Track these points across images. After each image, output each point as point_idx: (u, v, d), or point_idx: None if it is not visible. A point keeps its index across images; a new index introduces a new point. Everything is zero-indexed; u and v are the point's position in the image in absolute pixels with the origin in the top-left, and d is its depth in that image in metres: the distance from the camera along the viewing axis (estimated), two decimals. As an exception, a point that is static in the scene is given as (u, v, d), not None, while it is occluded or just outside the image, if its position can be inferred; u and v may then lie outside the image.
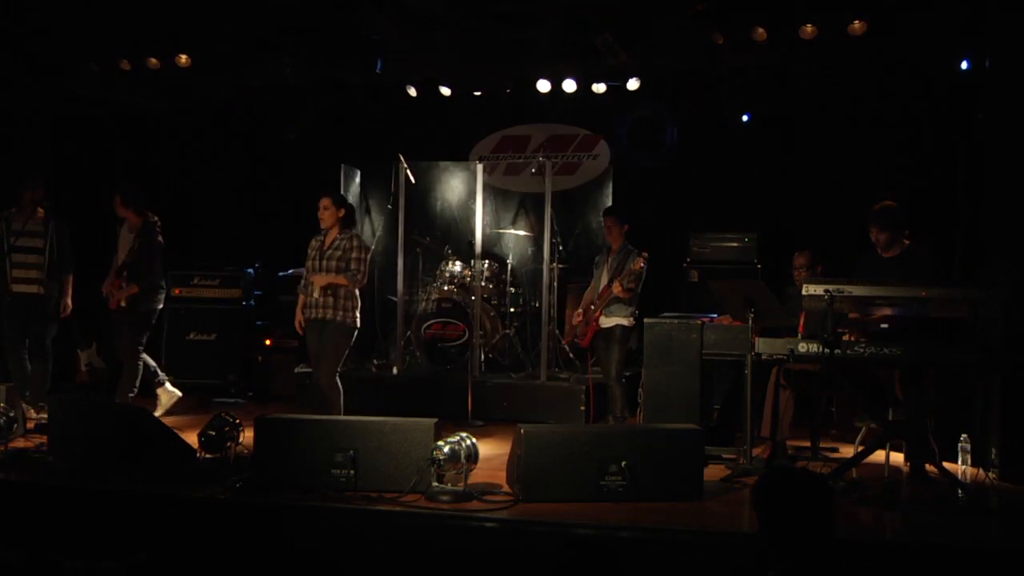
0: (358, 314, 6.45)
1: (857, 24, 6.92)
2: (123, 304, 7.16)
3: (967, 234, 7.05)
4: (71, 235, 7.41)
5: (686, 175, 8.74)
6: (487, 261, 8.32)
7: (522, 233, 8.92)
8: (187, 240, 9.00)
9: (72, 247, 7.40)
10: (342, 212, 6.46)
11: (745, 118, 8.37)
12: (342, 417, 6.20)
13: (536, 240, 8.50)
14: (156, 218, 7.34)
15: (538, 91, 8.47)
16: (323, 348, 6.36)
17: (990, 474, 5.48)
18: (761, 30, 7.08)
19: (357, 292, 6.46)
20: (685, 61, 7.78)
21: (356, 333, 6.49)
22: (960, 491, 5.16)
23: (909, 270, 5.73)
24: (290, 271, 9.24)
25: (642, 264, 6.81)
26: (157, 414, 7.16)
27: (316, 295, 6.34)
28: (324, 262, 6.38)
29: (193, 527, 4.89)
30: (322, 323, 6.35)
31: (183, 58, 8.22)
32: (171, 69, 8.27)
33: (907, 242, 5.91)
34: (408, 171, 8.25)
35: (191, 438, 5.72)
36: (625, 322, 7.02)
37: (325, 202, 6.45)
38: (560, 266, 8.29)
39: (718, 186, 8.60)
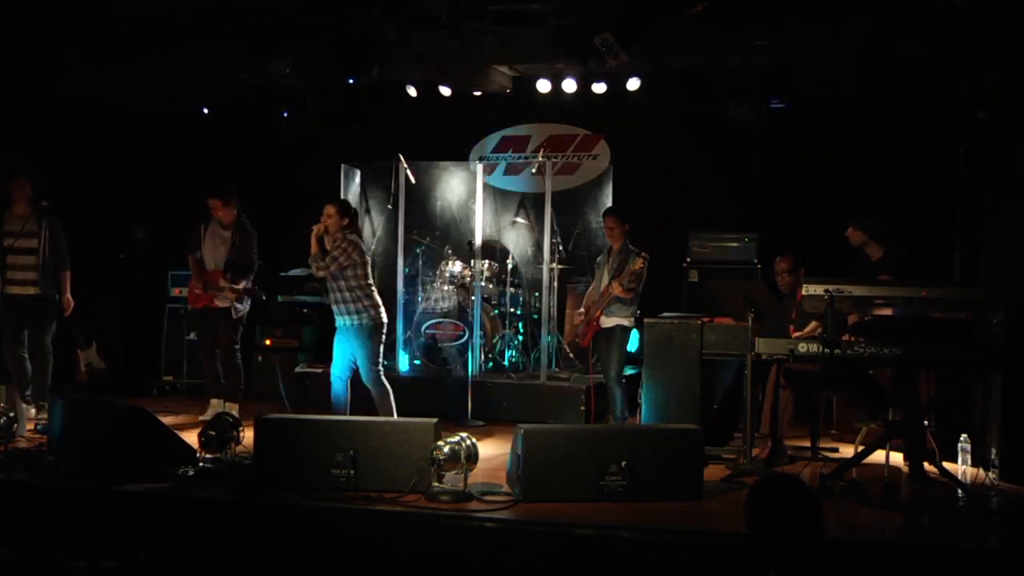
0: (381, 312, 6.57)
1: (857, 24, 6.92)
2: (218, 303, 7.28)
3: (967, 234, 7.06)
4: (66, 232, 7.37)
5: (686, 175, 8.74)
6: (487, 261, 8.31)
7: (522, 233, 8.91)
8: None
9: (68, 244, 7.35)
10: (346, 221, 6.52)
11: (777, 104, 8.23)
12: (342, 417, 6.22)
13: (536, 240, 8.50)
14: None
15: (538, 91, 8.47)
16: (357, 351, 6.51)
17: (990, 474, 5.48)
18: (761, 30, 7.07)
19: (374, 292, 6.56)
20: (685, 61, 7.78)
21: (384, 328, 6.61)
22: (960, 491, 5.17)
23: (890, 268, 5.84)
24: (291, 271, 9.25)
25: (642, 264, 6.81)
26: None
27: (337, 303, 6.49)
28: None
29: (193, 527, 4.88)
30: (347, 328, 6.50)
31: (183, 58, 8.21)
32: (171, 69, 8.26)
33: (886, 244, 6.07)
34: (408, 171, 8.25)
35: (191, 438, 5.72)
36: (625, 322, 7.02)
37: (329, 210, 6.51)
38: (560, 266, 8.29)
39: (718, 186, 8.60)
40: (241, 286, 7.29)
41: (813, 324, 6.16)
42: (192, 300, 7.48)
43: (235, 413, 7.19)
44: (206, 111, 9.32)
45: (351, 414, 6.49)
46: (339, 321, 6.55)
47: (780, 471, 5.70)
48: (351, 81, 8.03)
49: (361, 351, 6.50)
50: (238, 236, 7.37)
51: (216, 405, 7.39)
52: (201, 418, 7.27)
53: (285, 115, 9.07)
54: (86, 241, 7.87)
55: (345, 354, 6.59)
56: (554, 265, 8.10)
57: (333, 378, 6.60)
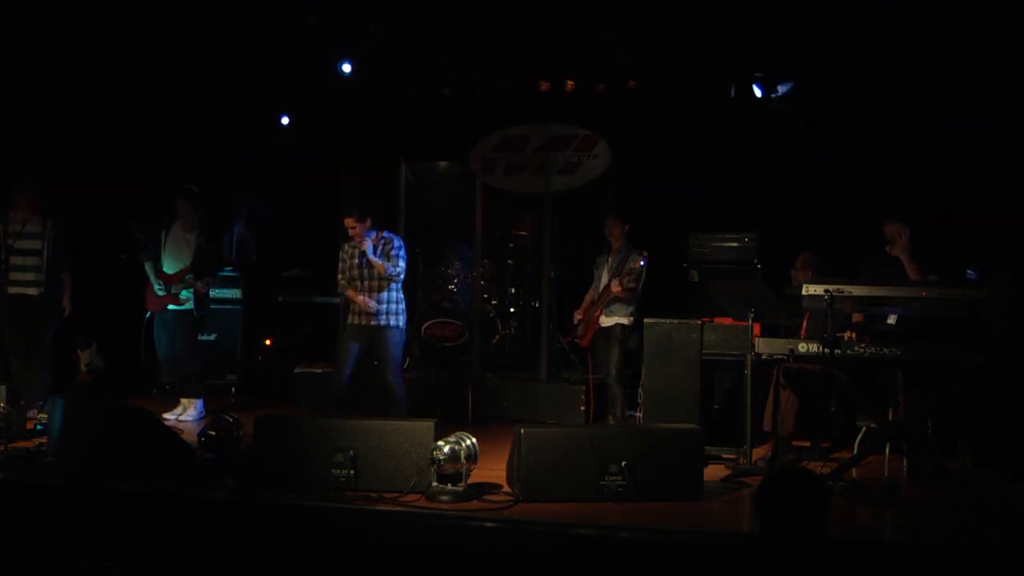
0: (404, 316, 6.64)
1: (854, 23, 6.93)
2: (182, 301, 7.34)
3: (966, 235, 7.07)
4: (69, 234, 7.41)
5: (686, 175, 8.73)
6: (487, 261, 8.31)
7: (522, 233, 8.91)
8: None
9: (70, 246, 7.39)
10: (368, 222, 6.52)
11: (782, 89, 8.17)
12: (342, 417, 6.22)
13: (536, 240, 8.49)
14: None
15: (538, 91, 8.46)
16: (383, 353, 6.55)
17: (990, 474, 5.48)
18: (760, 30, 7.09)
19: (402, 295, 6.61)
20: (685, 61, 7.78)
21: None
22: (960, 491, 5.17)
23: (920, 263, 5.79)
24: (291, 271, 9.25)
25: (641, 263, 6.81)
26: (168, 415, 7.32)
27: (368, 305, 6.47)
28: (367, 270, 6.51)
29: (193, 527, 4.88)
30: (376, 330, 6.49)
31: (183, 58, 8.21)
32: (170, 68, 8.26)
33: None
34: (408, 172, 8.25)
35: (191, 438, 5.73)
36: (625, 321, 7.02)
37: (349, 222, 6.50)
38: (560, 266, 8.29)
39: (718, 186, 8.59)
40: (205, 285, 7.36)
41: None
42: (152, 304, 7.51)
43: (194, 412, 7.31)
44: (206, 111, 9.32)
45: (349, 414, 6.50)
46: (364, 319, 6.50)
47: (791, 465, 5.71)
48: (346, 69, 8.02)
49: (392, 351, 6.54)
50: (203, 238, 7.44)
51: (188, 404, 7.47)
52: (180, 417, 7.30)
53: (285, 117, 9.08)
54: (86, 241, 7.86)
55: (359, 354, 6.59)
56: (554, 265, 8.09)
57: (343, 377, 6.58)
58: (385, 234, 6.62)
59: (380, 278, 6.49)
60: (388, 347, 6.52)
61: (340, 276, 6.69)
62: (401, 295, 6.61)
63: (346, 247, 6.71)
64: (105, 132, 9.31)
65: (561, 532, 4.53)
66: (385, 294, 6.50)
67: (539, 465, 5.03)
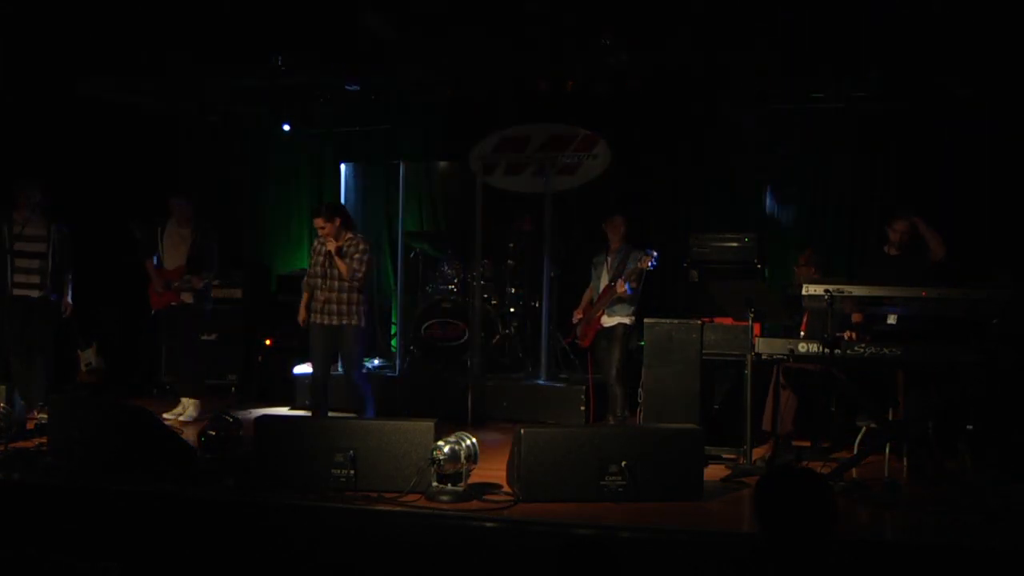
0: (366, 317, 6.65)
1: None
2: (184, 300, 7.41)
3: (967, 234, 7.06)
4: (73, 236, 7.44)
5: (686, 175, 8.73)
6: (487, 261, 8.31)
7: (522, 232, 8.89)
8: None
9: (73, 248, 7.42)
10: (338, 221, 6.50)
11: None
12: (342, 417, 6.23)
13: (536, 240, 8.49)
14: None
15: (538, 91, 8.45)
16: (344, 351, 6.59)
17: (990, 474, 5.48)
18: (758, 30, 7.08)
19: (364, 296, 6.62)
20: (685, 60, 7.77)
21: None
22: (960, 491, 5.17)
23: (922, 261, 5.82)
24: (291, 271, 9.25)
25: (650, 262, 6.81)
26: (168, 415, 7.33)
27: (332, 303, 6.48)
28: (330, 269, 6.51)
29: (193, 527, 4.88)
30: (337, 329, 6.50)
31: (182, 58, 8.20)
32: (170, 69, 8.26)
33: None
34: (408, 172, 8.24)
35: (191, 438, 5.73)
36: (627, 321, 7.03)
37: (318, 222, 6.53)
38: (560, 266, 8.28)
39: (718, 186, 8.59)
40: (202, 280, 7.40)
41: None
42: (155, 302, 7.56)
43: (193, 412, 7.29)
44: (205, 111, 9.32)
45: (342, 414, 6.51)
46: (325, 319, 6.53)
47: (792, 464, 5.70)
48: (350, 88, 8.11)
49: (354, 351, 6.56)
50: (198, 234, 7.50)
51: (188, 403, 7.48)
52: (181, 418, 7.32)
53: (286, 125, 9.08)
54: (86, 242, 7.87)
55: (329, 354, 6.64)
56: (554, 265, 8.09)
57: (319, 376, 6.62)
58: (354, 235, 6.59)
59: (342, 278, 6.50)
60: (349, 345, 6.55)
61: (309, 270, 6.72)
62: (364, 296, 6.61)
63: (316, 244, 6.75)
64: (105, 133, 9.33)
65: (561, 532, 4.53)
66: (346, 294, 6.51)
67: (539, 465, 5.04)
